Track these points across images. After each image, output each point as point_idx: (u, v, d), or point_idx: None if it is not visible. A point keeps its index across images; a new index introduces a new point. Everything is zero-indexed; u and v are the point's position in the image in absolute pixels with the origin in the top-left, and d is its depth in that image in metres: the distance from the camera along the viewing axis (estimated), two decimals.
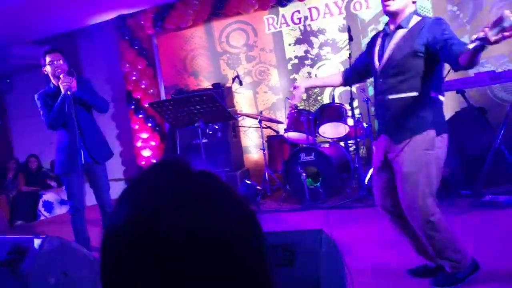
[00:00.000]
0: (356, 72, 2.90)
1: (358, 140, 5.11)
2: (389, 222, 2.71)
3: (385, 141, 2.60)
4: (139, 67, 7.44)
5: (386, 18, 2.65)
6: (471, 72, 5.38)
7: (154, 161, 7.33)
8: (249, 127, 6.74)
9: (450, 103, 5.71)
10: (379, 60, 2.56)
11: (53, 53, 3.62)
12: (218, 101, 3.49)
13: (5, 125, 9.33)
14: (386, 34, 2.57)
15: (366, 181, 5.08)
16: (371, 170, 5.23)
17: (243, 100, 7.13)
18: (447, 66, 2.47)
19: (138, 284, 0.55)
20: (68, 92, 3.45)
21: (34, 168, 7.61)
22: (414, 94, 2.43)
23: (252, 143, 7.13)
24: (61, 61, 3.62)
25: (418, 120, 2.44)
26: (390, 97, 2.49)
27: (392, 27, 2.52)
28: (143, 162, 7.54)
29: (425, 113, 2.44)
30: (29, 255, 2.44)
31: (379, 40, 2.61)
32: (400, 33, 2.47)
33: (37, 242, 2.48)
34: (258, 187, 5.54)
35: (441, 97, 2.51)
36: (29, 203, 7.05)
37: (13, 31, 7.19)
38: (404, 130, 2.47)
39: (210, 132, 5.24)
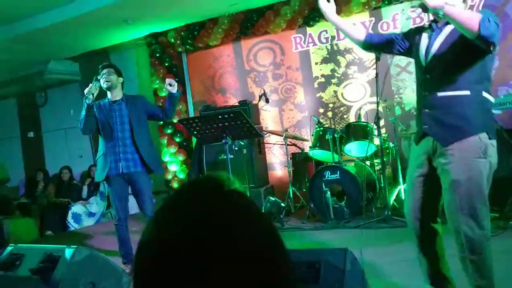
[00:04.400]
0: (382, 41, 2.69)
1: (384, 159, 5.09)
2: (417, 237, 2.47)
3: (429, 145, 2.37)
4: None
5: None
6: (500, 94, 5.33)
7: (182, 176, 7.44)
8: (274, 144, 6.79)
9: None
10: (426, 55, 2.40)
11: (106, 68, 4.01)
12: (246, 118, 3.55)
13: (39, 137, 9.63)
14: (432, 30, 2.42)
15: (391, 201, 5.04)
16: (396, 190, 5.20)
17: (268, 117, 7.20)
18: None
19: None
20: (87, 101, 3.79)
21: (67, 180, 7.80)
22: (467, 93, 2.26)
23: (276, 160, 7.17)
24: (112, 75, 3.98)
25: (469, 122, 2.24)
26: (440, 94, 2.30)
27: (440, 23, 2.38)
28: (169, 177, 7.66)
29: (477, 114, 2.25)
30: (60, 264, 2.52)
31: (424, 35, 2.46)
32: (449, 28, 2.33)
33: (68, 252, 2.57)
34: (282, 204, 5.55)
35: (491, 98, 2.32)
36: (58, 214, 7.22)
37: (50, 48, 7.48)
38: (454, 131, 2.26)
39: (236, 148, 5.29)
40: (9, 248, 2.78)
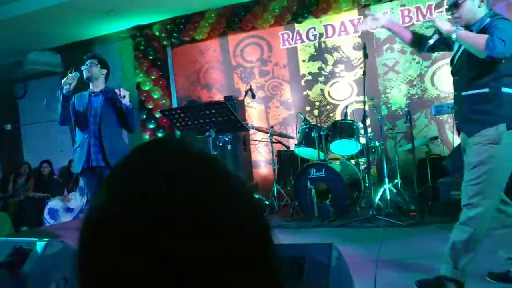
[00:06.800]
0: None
1: (370, 158, 5.03)
2: None
3: (463, 137, 2.71)
4: (153, 77, 7.47)
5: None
6: None
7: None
8: (260, 141, 6.69)
9: None
10: (452, 60, 2.76)
11: (89, 59, 3.91)
12: (231, 110, 3.45)
13: (17, 130, 9.39)
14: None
15: (376, 201, 4.97)
16: (381, 190, 5.14)
17: (254, 114, 7.11)
18: None
19: (125, 279, 0.47)
20: (63, 91, 3.69)
21: (46, 174, 7.60)
22: (485, 90, 2.54)
23: (262, 158, 7.08)
24: (94, 67, 3.86)
25: (489, 115, 2.53)
26: (463, 93, 2.63)
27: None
28: None
29: (496, 108, 2.53)
30: (30, 258, 2.39)
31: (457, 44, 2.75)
32: None
33: (39, 245, 2.44)
34: (266, 202, 5.46)
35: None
36: (35, 209, 7.03)
37: (31, 37, 7.27)
38: (476, 124, 2.57)
39: (220, 144, 5.19)
40: None
